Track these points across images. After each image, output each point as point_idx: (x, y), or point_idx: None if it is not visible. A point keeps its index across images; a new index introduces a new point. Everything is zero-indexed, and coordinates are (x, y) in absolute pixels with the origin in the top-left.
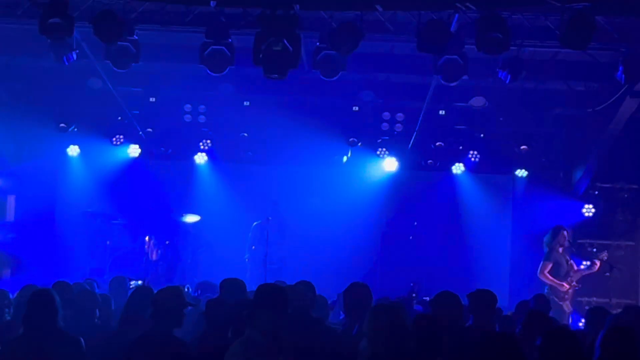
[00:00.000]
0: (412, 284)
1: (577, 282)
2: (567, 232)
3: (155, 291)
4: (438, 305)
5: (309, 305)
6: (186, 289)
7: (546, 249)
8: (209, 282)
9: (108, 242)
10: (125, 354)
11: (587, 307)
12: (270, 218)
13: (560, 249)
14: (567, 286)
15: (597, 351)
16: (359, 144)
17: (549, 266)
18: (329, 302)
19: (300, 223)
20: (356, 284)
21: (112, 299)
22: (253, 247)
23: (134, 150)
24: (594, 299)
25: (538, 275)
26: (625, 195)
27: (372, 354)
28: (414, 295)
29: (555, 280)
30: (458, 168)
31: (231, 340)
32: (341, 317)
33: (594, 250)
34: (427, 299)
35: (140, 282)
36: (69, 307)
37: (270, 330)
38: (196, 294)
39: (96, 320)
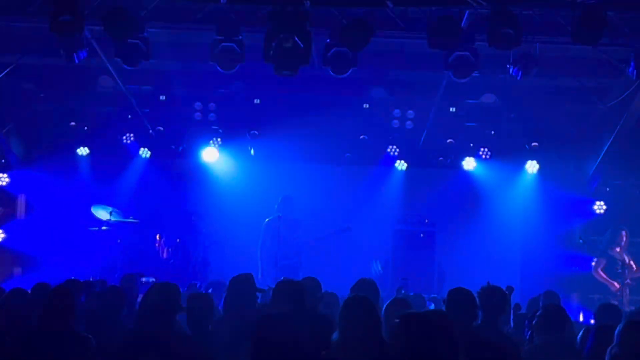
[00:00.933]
0: (402, 279)
1: (631, 280)
2: (626, 232)
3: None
4: (452, 303)
5: (317, 301)
6: (198, 285)
7: (600, 247)
8: (220, 280)
9: (119, 241)
10: (141, 350)
11: (598, 304)
12: (280, 215)
13: (618, 248)
14: (618, 286)
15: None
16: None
17: (603, 263)
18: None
19: (311, 220)
20: (363, 280)
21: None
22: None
23: (144, 153)
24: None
25: (592, 272)
26: (637, 192)
27: (341, 344)
28: (403, 291)
29: (608, 279)
30: (469, 163)
31: (211, 334)
32: None
33: None
34: (430, 295)
35: (152, 279)
36: (96, 305)
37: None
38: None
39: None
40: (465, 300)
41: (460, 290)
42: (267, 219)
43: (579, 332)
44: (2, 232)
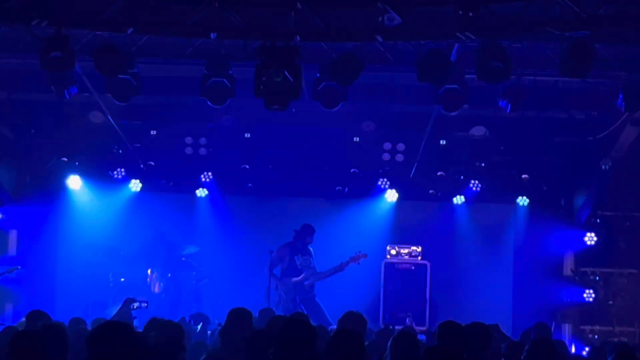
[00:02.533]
0: (389, 315)
1: None
2: None
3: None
4: (444, 336)
5: None
6: (188, 320)
7: None
8: (202, 313)
9: (110, 276)
10: None
11: (590, 336)
12: (272, 251)
13: None
14: None
15: None
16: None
17: None
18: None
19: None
20: (350, 313)
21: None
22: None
23: (135, 185)
24: (597, 327)
25: None
26: (627, 223)
27: None
28: (391, 327)
29: None
30: (459, 199)
31: None
32: None
33: (597, 278)
34: (421, 328)
35: (145, 304)
36: None
37: None
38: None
39: None
40: (456, 333)
41: (451, 323)
42: (284, 244)
43: None
44: None
